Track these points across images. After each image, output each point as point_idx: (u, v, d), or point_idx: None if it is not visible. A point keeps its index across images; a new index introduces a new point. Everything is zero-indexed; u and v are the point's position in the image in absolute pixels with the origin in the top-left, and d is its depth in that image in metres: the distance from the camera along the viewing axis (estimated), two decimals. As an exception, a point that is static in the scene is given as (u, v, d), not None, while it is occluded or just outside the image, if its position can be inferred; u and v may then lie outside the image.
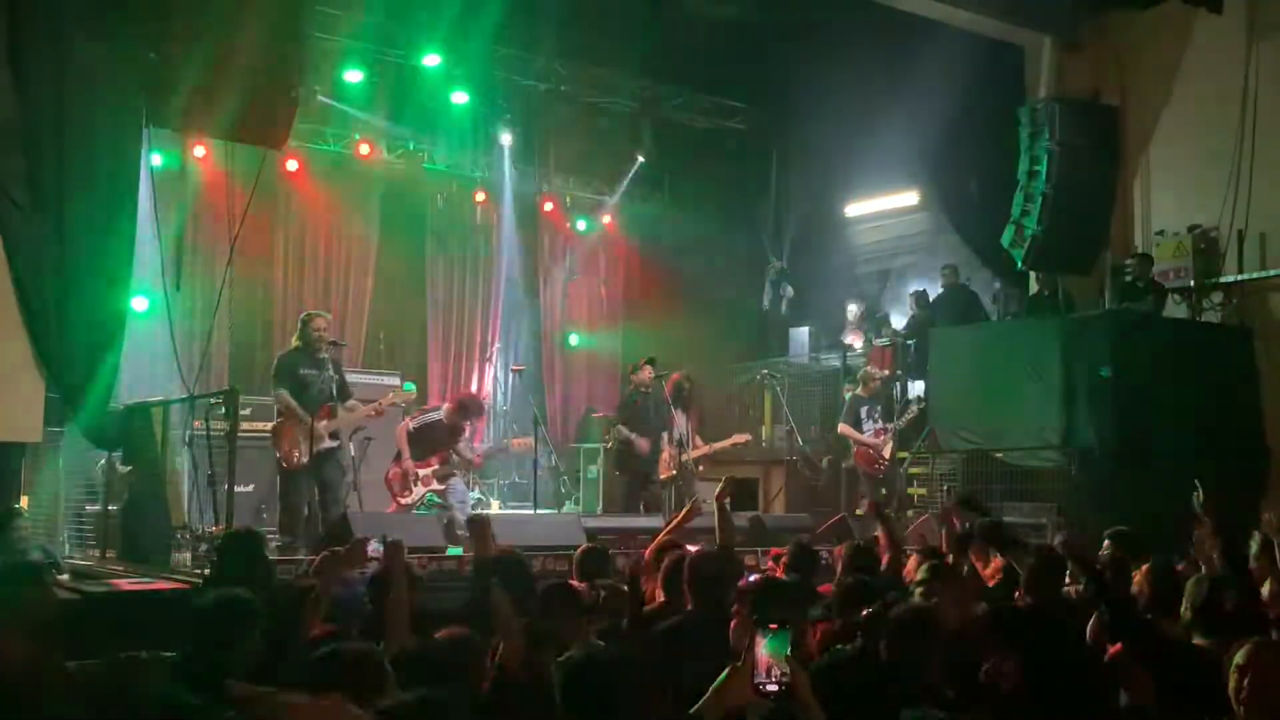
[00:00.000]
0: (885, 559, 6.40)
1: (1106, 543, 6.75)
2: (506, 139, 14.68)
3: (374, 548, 5.42)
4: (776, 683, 2.88)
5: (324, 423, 9.13)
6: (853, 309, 14.79)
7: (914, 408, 11.87)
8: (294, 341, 9.55)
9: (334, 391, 9.24)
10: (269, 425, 9.79)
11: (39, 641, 4.55)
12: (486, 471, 13.59)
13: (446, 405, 10.51)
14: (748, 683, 2.89)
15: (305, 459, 9.05)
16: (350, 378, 10.90)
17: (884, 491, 11.90)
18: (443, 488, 10.05)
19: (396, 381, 12.18)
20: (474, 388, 14.71)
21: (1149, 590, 5.27)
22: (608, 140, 15.63)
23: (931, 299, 13.86)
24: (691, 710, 2.94)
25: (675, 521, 7.37)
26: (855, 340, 14.38)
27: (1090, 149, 11.32)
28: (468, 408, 10.37)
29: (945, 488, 11.46)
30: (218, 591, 4.56)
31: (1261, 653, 3.53)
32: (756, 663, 2.89)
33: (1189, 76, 12.83)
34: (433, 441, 10.12)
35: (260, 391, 10.83)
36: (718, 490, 6.83)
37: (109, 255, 8.02)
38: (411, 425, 10.18)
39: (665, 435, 11.18)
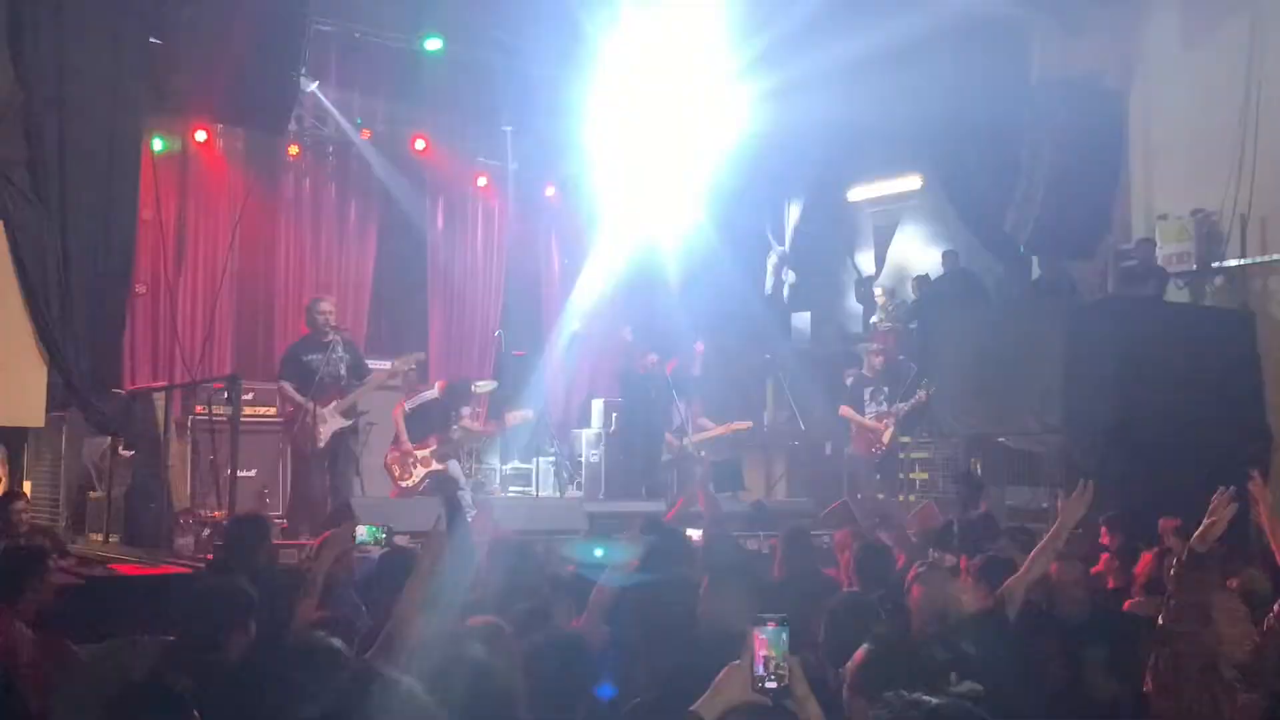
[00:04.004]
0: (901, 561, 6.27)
1: (1100, 527, 6.80)
2: (506, 124, 14.64)
3: (363, 533, 5.41)
4: (775, 679, 2.88)
5: (333, 404, 9.12)
6: (877, 292, 14.72)
7: (921, 394, 11.85)
8: (305, 329, 9.58)
9: (343, 372, 9.24)
10: (273, 410, 9.80)
11: (43, 625, 4.57)
12: (488, 456, 13.61)
13: (438, 384, 10.54)
14: (747, 679, 2.89)
15: (320, 444, 9.07)
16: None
17: (878, 477, 11.91)
18: (442, 467, 10.07)
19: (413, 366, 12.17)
20: (476, 373, 14.71)
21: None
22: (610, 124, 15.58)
23: (933, 283, 13.84)
24: (690, 708, 2.94)
25: (671, 512, 7.44)
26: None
27: (1093, 132, 11.29)
28: (455, 393, 10.39)
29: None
30: (216, 578, 4.58)
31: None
32: (755, 659, 2.89)
33: (1192, 58, 12.78)
34: (429, 422, 10.15)
35: (262, 377, 10.83)
36: (699, 477, 7.03)
37: (110, 240, 8.03)
38: (408, 406, 10.21)
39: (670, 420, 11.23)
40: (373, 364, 11.72)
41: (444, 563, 4.66)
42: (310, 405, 8.99)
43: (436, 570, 4.64)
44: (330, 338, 9.27)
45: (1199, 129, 12.62)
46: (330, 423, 9.07)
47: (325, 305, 9.44)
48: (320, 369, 9.09)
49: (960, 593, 5.19)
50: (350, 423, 9.30)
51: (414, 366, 10.29)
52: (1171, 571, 3.85)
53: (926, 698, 2.77)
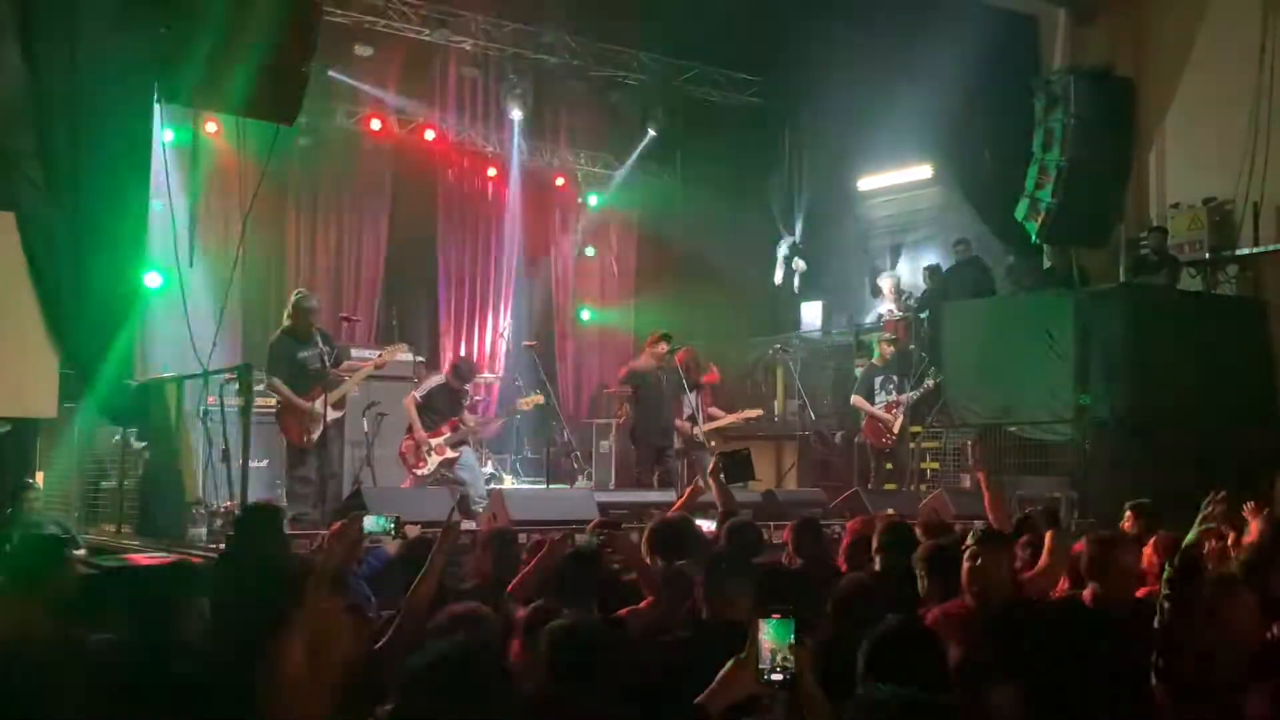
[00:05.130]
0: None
1: (1127, 514, 6.77)
2: (516, 114, 14.63)
3: (370, 523, 5.42)
4: (781, 671, 2.87)
5: (322, 398, 9.19)
6: (887, 282, 14.66)
7: (929, 382, 11.85)
8: (285, 322, 9.55)
9: (326, 365, 9.32)
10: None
11: (57, 616, 4.58)
12: (499, 446, 13.63)
13: (445, 370, 10.62)
14: (752, 672, 2.88)
15: (314, 437, 9.15)
16: (362, 354, 10.96)
17: (889, 466, 11.91)
18: (456, 455, 10.13)
19: (408, 357, 12.20)
20: (486, 364, 14.74)
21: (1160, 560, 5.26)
22: (619, 114, 15.58)
23: (945, 273, 13.81)
24: (696, 700, 2.94)
25: (679, 502, 7.46)
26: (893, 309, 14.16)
27: (1105, 121, 11.24)
28: (462, 371, 10.49)
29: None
30: (167, 562, 4.61)
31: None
32: (761, 652, 2.88)
33: (1205, 47, 12.72)
34: (440, 408, 10.21)
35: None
36: (710, 467, 7.04)
37: (122, 231, 8.02)
38: (418, 395, 10.27)
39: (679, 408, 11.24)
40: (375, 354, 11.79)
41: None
42: (309, 405, 9.13)
43: (449, 563, 4.66)
44: (314, 332, 9.34)
45: (1211, 117, 12.58)
46: (323, 415, 9.16)
47: (312, 302, 9.49)
48: (311, 365, 9.22)
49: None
50: (340, 413, 9.43)
51: (398, 359, 10.35)
52: (1166, 574, 3.81)
53: (892, 692, 2.78)
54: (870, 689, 2.83)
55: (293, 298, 9.76)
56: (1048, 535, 5.36)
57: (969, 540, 4.52)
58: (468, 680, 2.91)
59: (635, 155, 15.57)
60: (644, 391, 11.25)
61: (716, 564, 4.47)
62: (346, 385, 9.57)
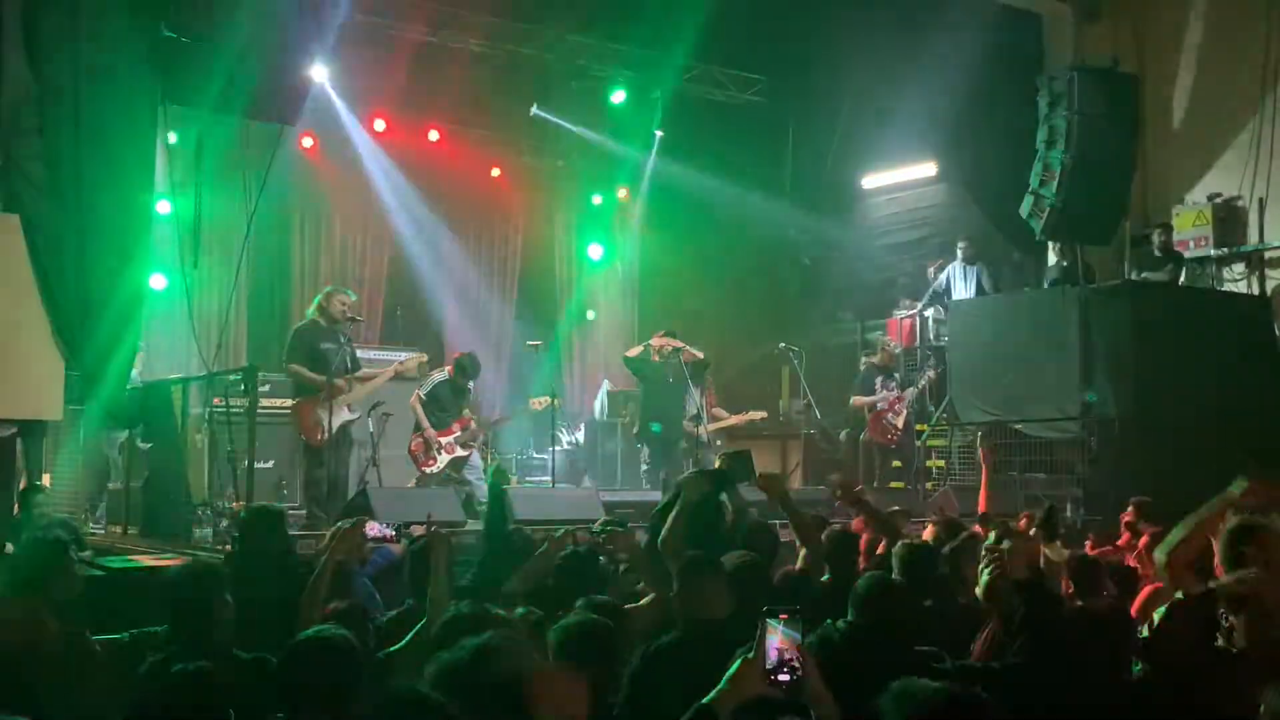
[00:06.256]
0: (870, 543, 6.30)
1: (1130, 510, 6.77)
2: (520, 114, 14.64)
3: (378, 529, 5.44)
4: (789, 672, 2.87)
5: (340, 396, 9.19)
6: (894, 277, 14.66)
7: (931, 373, 11.87)
8: (311, 314, 9.57)
9: (349, 365, 9.32)
10: (287, 402, 9.84)
11: (64, 617, 4.59)
12: (504, 445, 13.63)
13: (447, 367, 10.64)
14: (760, 672, 2.88)
15: (329, 434, 9.12)
16: (368, 355, 11.00)
17: (896, 463, 11.91)
18: (466, 454, 10.14)
19: (423, 358, 12.20)
20: (491, 364, 14.74)
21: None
22: (623, 114, 15.56)
23: (949, 270, 13.79)
24: (704, 700, 2.94)
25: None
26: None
27: (1110, 118, 11.20)
28: (465, 367, 10.48)
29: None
30: (183, 563, 4.63)
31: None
32: (768, 652, 2.88)
33: (1209, 43, 12.71)
34: (446, 405, 10.22)
35: (279, 368, 10.87)
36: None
37: (126, 233, 8.02)
38: (422, 393, 10.28)
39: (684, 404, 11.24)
40: (389, 356, 11.78)
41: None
42: (333, 384, 9.12)
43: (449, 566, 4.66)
44: (341, 329, 9.33)
45: (1217, 113, 12.56)
46: (338, 415, 9.15)
47: (346, 296, 9.51)
48: (333, 360, 9.17)
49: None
50: (355, 416, 9.41)
51: (415, 370, 10.36)
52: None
53: (926, 682, 2.77)
54: (910, 681, 2.80)
55: (321, 291, 9.83)
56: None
57: (989, 541, 4.54)
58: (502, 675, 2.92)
59: (645, 159, 15.56)
60: (647, 380, 11.26)
61: (691, 564, 4.45)
62: (369, 386, 9.56)
